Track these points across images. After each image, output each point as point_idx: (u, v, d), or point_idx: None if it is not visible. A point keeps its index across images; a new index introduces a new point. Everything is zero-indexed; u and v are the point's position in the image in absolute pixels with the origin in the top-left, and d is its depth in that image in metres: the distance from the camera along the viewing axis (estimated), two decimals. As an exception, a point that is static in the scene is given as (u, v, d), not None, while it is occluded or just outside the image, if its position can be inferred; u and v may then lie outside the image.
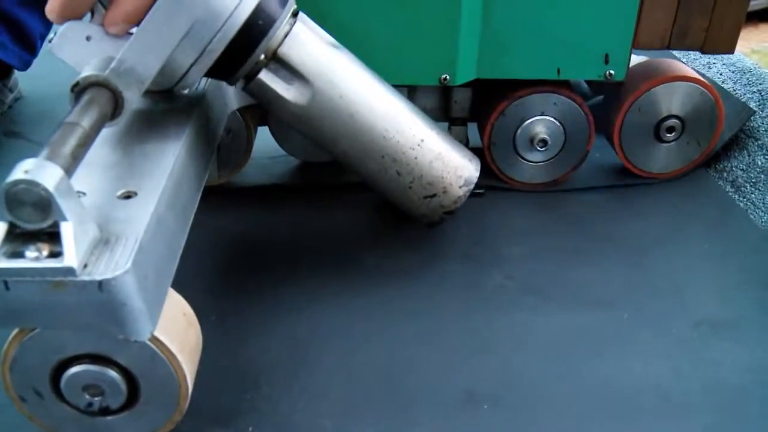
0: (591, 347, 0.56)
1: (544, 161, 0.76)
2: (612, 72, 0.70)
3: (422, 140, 0.60)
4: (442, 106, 0.77)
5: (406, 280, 0.64)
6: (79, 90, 0.46)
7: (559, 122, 0.74)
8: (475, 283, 0.64)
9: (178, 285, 0.60)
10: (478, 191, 0.76)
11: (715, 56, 0.97)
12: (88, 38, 0.48)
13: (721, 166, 0.82)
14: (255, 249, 0.68)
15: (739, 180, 0.79)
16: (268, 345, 0.56)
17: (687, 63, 0.99)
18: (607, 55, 0.69)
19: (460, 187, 0.63)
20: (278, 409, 0.51)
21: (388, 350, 0.56)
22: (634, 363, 0.55)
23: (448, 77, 0.68)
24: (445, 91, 0.76)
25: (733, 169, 0.81)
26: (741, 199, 0.76)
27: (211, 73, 0.52)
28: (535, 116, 0.74)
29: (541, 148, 0.74)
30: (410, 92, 0.75)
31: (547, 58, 0.69)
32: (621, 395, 0.52)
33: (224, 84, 0.65)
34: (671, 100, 0.74)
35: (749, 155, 0.82)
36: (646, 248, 0.69)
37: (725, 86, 0.90)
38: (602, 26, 0.68)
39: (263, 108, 0.58)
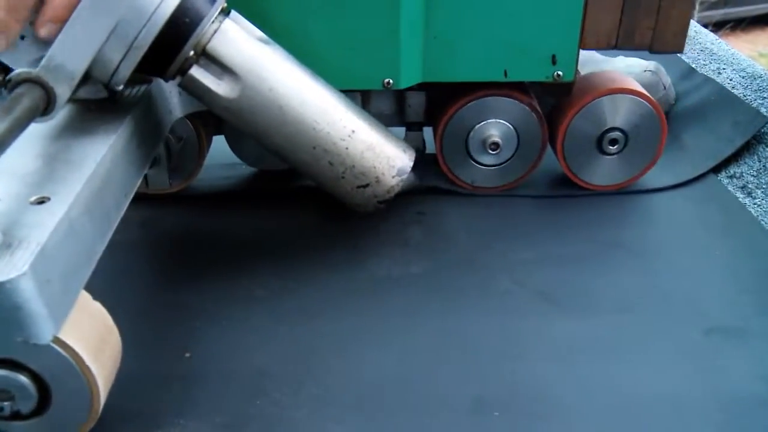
0: (602, 354, 0.56)
1: (497, 165, 0.76)
2: (560, 73, 0.70)
3: (353, 131, 0.61)
4: (397, 111, 0.77)
5: (414, 286, 0.64)
6: (11, 86, 0.48)
7: (512, 125, 0.74)
8: (483, 289, 0.63)
9: (192, 292, 0.62)
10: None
11: (725, 62, 0.96)
12: (23, 37, 0.50)
13: (731, 171, 0.81)
14: (262, 255, 0.68)
15: (750, 186, 0.78)
16: (276, 350, 0.56)
17: (696, 68, 0.98)
18: (554, 56, 0.69)
19: (392, 176, 0.63)
20: (287, 414, 0.51)
21: (398, 356, 0.56)
22: (645, 371, 0.54)
23: (391, 81, 0.68)
24: (399, 95, 0.76)
25: (744, 174, 0.79)
26: (752, 204, 0.75)
27: (144, 69, 0.53)
28: (487, 119, 0.73)
29: (493, 151, 0.74)
30: (364, 97, 0.75)
31: (493, 59, 0.69)
32: (633, 403, 0.51)
33: (168, 92, 0.66)
34: (615, 113, 0.74)
35: (760, 161, 0.81)
36: (655, 254, 0.68)
37: (735, 92, 0.89)
38: (548, 26, 0.68)
39: (204, 105, 0.60)
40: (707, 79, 0.93)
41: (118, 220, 0.53)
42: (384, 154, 0.63)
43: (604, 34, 0.69)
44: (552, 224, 0.73)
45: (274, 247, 0.69)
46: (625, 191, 0.78)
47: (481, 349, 0.56)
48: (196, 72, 0.56)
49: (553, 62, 0.69)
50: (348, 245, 0.69)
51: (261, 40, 0.59)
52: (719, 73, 0.96)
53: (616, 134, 0.75)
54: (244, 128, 0.60)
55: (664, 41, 0.70)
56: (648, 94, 0.74)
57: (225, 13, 0.57)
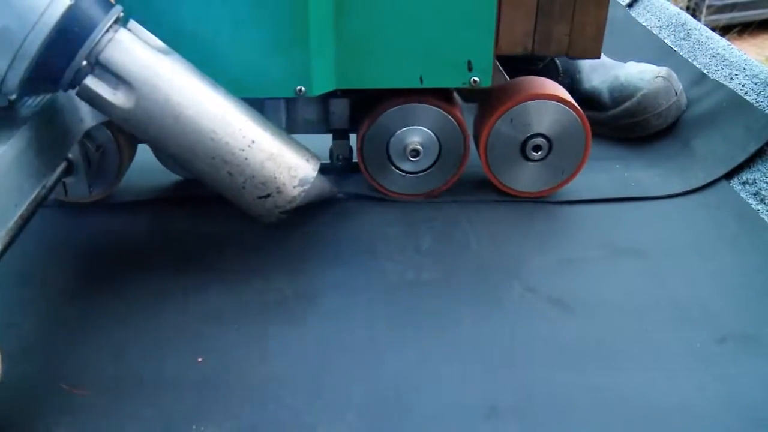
0: (614, 361, 0.56)
1: (419, 172, 0.75)
2: (477, 79, 0.69)
3: (253, 141, 0.60)
4: (323, 118, 0.77)
5: (426, 292, 0.64)
6: None
7: (433, 133, 0.73)
8: (495, 295, 0.63)
9: (203, 296, 0.62)
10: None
11: (737, 67, 0.94)
12: None
13: (744, 178, 0.80)
14: (274, 260, 0.68)
15: (763, 192, 0.77)
16: (290, 356, 0.57)
17: (708, 73, 0.96)
18: (470, 62, 0.69)
19: (294, 187, 0.63)
20: (301, 420, 0.51)
21: (412, 363, 0.56)
22: (658, 378, 0.54)
23: (303, 89, 0.67)
24: (323, 102, 0.76)
25: (757, 181, 0.78)
26: (765, 211, 0.75)
27: (37, 78, 0.53)
28: (408, 126, 0.73)
29: (414, 158, 0.74)
30: (289, 104, 0.75)
31: (408, 66, 0.68)
32: (645, 410, 0.51)
33: (78, 99, 0.66)
34: (539, 119, 0.73)
35: (773, 167, 0.81)
36: (667, 261, 0.67)
37: (747, 98, 0.88)
38: (462, 33, 0.67)
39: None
40: (719, 85, 0.92)
41: (5, 231, 0.52)
42: (285, 164, 0.62)
43: (520, 40, 0.69)
44: (563, 230, 0.73)
45: (285, 252, 0.69)
46: (636, 197, 0.77)
47: (495, 355, 0.56)
48: (91, 82, 0.56)
49: (469, 68, 0.69)
50: (359, 251, 0.69)
51: (159, 49, 0.58)
52: (731, 78, 0.94)
53: (539, 140, 0.74)
54: (144, 138, 0.60)
55: (580, 47, 0.70)
56: (573, 101, 0.73)
57: (122, 21, 0.57)
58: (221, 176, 0.61)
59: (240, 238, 0.71)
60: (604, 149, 0.89)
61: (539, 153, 0.75)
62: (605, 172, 0.82)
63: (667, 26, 1.15)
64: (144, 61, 0.57)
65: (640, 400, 0.52)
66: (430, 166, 0.75)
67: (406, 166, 0.75)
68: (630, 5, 1.29)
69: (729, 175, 0.81)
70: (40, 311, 0.61)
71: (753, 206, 0.76)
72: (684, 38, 1.09)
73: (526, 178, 0.76)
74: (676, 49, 1.07)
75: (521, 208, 0.76)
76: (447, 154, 0.74)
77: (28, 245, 0.63)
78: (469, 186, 0.78)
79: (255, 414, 0.51)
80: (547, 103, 0.73)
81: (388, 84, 0.70)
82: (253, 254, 0.69)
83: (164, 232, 0.73)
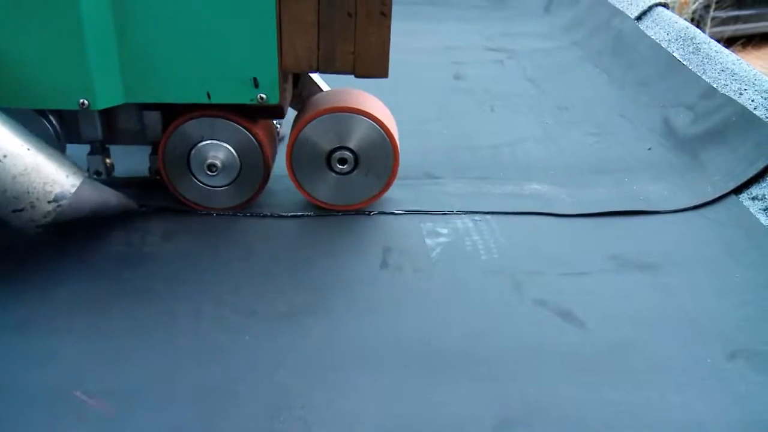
0: (624, 375, 0.56)
1: (223, 185, 0.75)
2: (263, 96, 0.69)
3: (5, 156, 0.61)
4: (140, 129, 0.77)
5: (435, 303, 0.64)
6: None
7: (232, 148, 0.73)
8: (504, 308, 0.64)
9: (214, 306, 0.63)
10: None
11: (746, 82, 0.94)
12: None
13: (753, 193, 0.80)
14: (285, 270, 0.68)
15: None
16: (301, 366, 0.57)
17: (717, 88, 0.95)
18: (255, 79, 0.69)
19: (48, 202, 0.64)
20: (313, 430, 0.51)
21: (421, 374, 0.56)
22: (669, 394, 0.54)
23: (86, 102, 0.68)
24: (139, 113, 0.76)
25: (766, 196, 0.78)
26: None
27: None
28: (207, 140, 0.73)
29: (213, 172, 0.74)
30: (109, 113, 0.75)
31: (194, 81, 0.69)
32: (655, 426, 0.51)
33: None
34: (347, 132, 0.73)
35: (782, 182, 0.80)
36: (677, 275, 0.68)
37: (757, 113, 0.87)
38: (244, 50, 0.67)
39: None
40: (729, 100, 0.92)
41: None
42: (40, 180, 0.63)
43: (304, 58, 0.69)
44: (572, 243, 0.73)
45: (296, 262, 0.70)
46: (645, 211, 0.77)
47: (505, 368, 0.57)
48: None
49: (256, 85, 0.69)
50: (368, 261, 0.70)
51: None
52: (741, 93, 0.93)
53: (345, 154, 0.74)
54: None
55: (366, 66, 0.69)
56: (380, 117, 0.73)
57: None
58: None
59: (251, 249, 0.71)
60: (612, 162, 0.89)
61: (345, 166, 0.75)
62: (614, 186, 0.83)
63: (676, 40, 1.14)
64: None
65: (649, 415, 0.52)
66: (232, 182, 0.75)
67: (207, 180, 0.75)
68: (638, 18, 1.28)
69: (738, 190, 0.80)
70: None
71: (762, 222, 0.75)
72: (693, 52, 1.08)
73: (330, 189, 0.76)
74: (684, 63, 1.07)
75: (530, 220, 0.76)
76: (247, 170, 0.75)
77: None
78: (479, 198, 0.79)
79: (266, 424, 0.51)
80: (355, 117, 0.72)
81: (175, 99, 0.70)
82: (263, 266, 0.69)
83: (172, 239, 0.72)
